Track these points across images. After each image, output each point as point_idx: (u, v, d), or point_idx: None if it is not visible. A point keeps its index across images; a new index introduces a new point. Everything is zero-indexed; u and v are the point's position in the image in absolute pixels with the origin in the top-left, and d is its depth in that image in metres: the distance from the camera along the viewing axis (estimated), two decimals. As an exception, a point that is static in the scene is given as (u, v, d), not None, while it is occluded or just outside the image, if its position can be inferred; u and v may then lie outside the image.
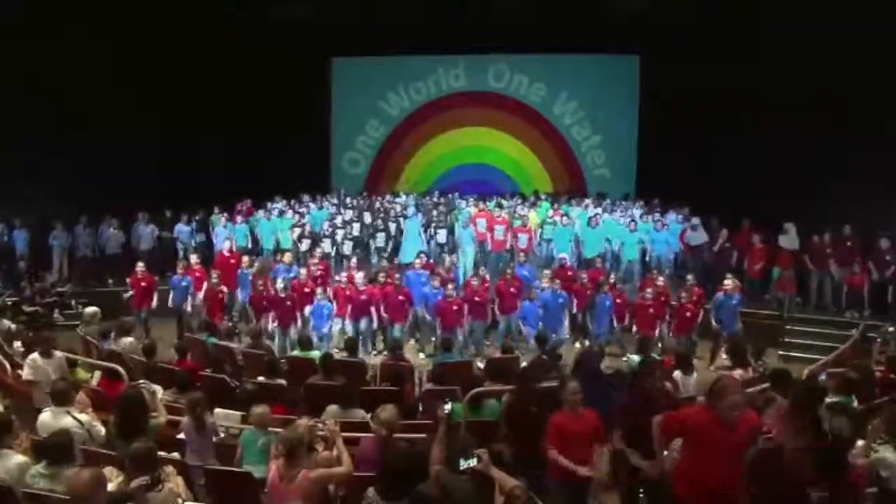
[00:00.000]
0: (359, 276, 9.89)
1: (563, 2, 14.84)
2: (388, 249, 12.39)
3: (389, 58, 16.95)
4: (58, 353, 6.43)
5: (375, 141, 17.74)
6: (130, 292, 10.35)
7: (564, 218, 12.53)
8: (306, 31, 15.31)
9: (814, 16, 11.31)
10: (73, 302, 11.49)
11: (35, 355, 6.29)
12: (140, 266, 10.44)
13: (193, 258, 10.97)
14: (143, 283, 10.30)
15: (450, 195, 15.19)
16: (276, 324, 9.60)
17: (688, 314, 9.50)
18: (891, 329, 8.91)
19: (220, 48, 14.51)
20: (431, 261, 11.40)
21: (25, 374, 6.22)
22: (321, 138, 17.38)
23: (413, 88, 17.48)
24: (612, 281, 10.32)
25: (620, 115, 16.67)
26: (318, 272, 10.46)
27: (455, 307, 9.44)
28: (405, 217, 12.84)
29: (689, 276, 10.35)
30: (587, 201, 14.35)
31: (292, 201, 13.99)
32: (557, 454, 4.48)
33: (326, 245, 12.15)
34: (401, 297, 9.68)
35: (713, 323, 9.44)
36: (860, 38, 10.62)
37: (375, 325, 9.90)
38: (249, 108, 15.02)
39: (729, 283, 9.49)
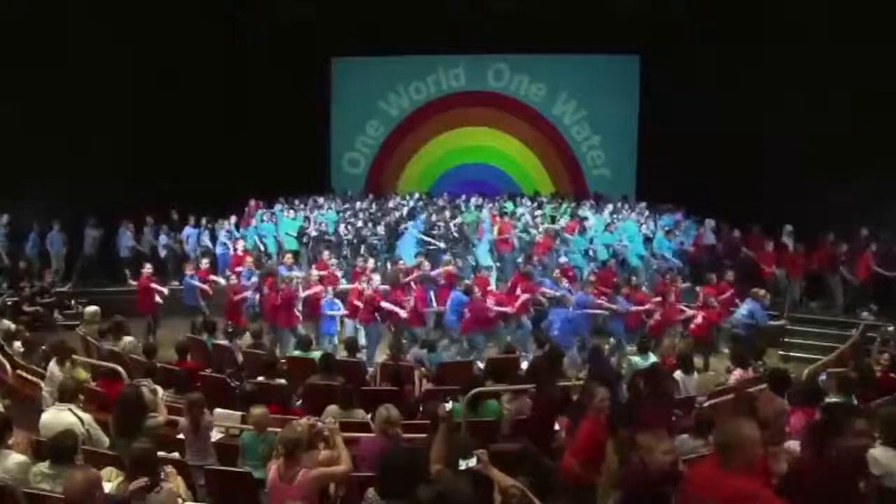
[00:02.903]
0: (375, 279, 9.64)
1: (563, 2, 14.83)
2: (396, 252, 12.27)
3: (389, 58, 16.94)
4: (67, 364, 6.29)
5: (375, 141, 17.75)
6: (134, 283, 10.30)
7: (580, 225, 12.30)
8: (306, 32, 15.32)
9: (814, 16, 11.32)
10: (73, 302, 11.47)
11: (52, 365, 6.21)
12: (147, 268, 10.43)
13: (205, 261, 10.95)
14: (150, 286, 10.26)
15: (459, 199, 14.69)
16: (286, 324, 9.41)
17: (703, 317, 9.36)
18: (891, 329, 8.91)
19: (220, 48, 14.50)
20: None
21: (45, 385, 6.11)
22: (321, 138, 17.38)
23: (413, 88, 17.48)
24: (633, 284, 10.07)
25: (620, 115, 16.66)
26: (328, 273, 10.29)
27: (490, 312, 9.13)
28: (406, 219, 12.75)
29: (711, 276, 10.17)
30: (609, 207, 14.01)
31: (296, 201, 13.87)
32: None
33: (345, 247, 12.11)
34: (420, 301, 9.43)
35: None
36: (860, 38, 10.62)
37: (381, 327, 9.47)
38: (249, 109, 15.01)
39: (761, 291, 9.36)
